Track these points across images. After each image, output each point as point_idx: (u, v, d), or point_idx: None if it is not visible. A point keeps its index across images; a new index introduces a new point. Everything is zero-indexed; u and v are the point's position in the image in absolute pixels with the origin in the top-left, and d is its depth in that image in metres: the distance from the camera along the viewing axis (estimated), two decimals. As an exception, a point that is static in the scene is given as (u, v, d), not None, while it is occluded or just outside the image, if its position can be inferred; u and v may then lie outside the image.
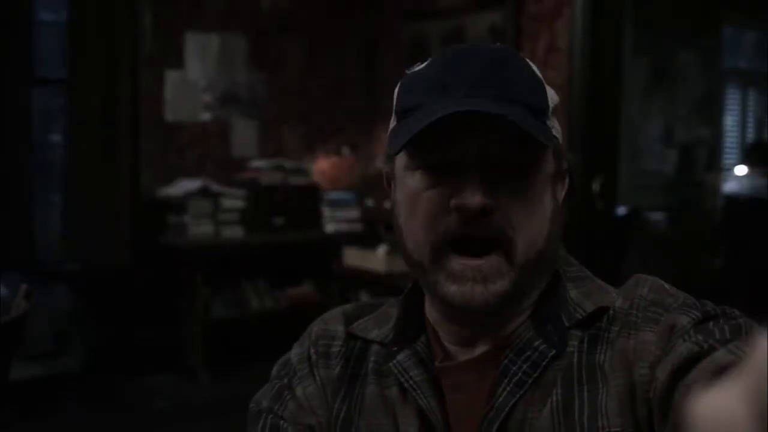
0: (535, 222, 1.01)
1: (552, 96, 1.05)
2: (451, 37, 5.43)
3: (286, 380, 1.16)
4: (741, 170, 6.97)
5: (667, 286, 1.06)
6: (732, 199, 6.68)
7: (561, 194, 1.08)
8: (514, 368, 1.02)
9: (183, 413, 4.56)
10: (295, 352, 1.18)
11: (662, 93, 6.12)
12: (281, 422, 1.12)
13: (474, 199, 0.96)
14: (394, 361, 1.07)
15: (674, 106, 6.26)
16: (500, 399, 1.00)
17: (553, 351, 1.02)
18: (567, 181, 1.09)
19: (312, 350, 1.16)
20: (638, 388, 0.96)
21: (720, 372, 0.81)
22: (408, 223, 1.04)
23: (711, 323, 0.92)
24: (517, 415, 1.00)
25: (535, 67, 1.06)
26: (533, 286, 1.05)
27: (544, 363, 1.01)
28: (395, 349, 1.09)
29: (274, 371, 1.19)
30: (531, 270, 1.01)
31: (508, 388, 1.01)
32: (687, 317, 0.96)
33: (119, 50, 4.93)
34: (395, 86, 1.09)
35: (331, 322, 1.19)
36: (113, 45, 4.13)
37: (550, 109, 1.04)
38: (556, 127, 1.05)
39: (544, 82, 1.05)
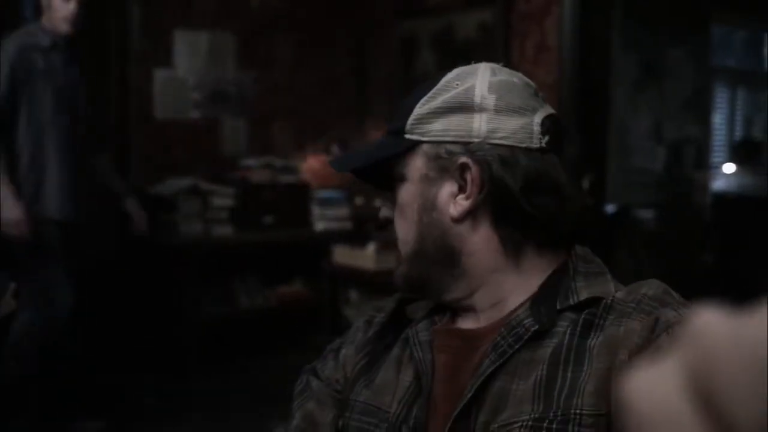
0: (403, 226, 1.24)
1: (484, 96, 1.18)
2: (441, 35, 5.43)
3: (337, 344, 1.38)
4: (729, 168, 7.00)
5: (672, 292, 1.11)
6: (720, 197, 6.71)
7: (452, 186, 1.18)
8: (502, 341, 1.11)
9: (174, 410, 4.55)
10: (352, 329, 1.39)
11: (652, 90, 6.14)
12: (313, 379, 1.35)
13: (380, 212, 1.32)
14: (413, 328, 1.23)
15: (664, 103, 6.27)
16: (483, 367, 1.10)
17: (536, 326, 1.10)
18: (475, 172, 1.15)
19: (366, 318, 1.37)
20: (615, 373, 1.00)
21: None
22: None
23: None
24: (497, 383, 1.09)
25: (460, 82, 1.19)
26: (429, 270, 1.22)
27: (526, 336, 1.09)
28: (419, 318, 1.26)
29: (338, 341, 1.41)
30: (416, 261, 1.23)
31: (491, 357, 1.10)
32: (675, 312, 1.01)
33: (108, 47, 4.92)
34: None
35: (390, 300, 1.37)
36: (102, 42, 4.12)
37: (409, 122, 1.20)
38: (427, 131, 1.19)
39: (436, 93, 1.19)
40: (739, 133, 7.94)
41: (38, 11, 4.09)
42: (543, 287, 1.16)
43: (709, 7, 6.55)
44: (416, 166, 1.20)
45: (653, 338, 0.98)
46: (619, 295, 1.11)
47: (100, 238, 4.56)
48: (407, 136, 1.20)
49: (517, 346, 1.10)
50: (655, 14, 5.87)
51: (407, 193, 1.21)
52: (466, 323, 1.22)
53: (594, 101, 4.70)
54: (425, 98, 1.19)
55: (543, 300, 1.14)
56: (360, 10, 6.25)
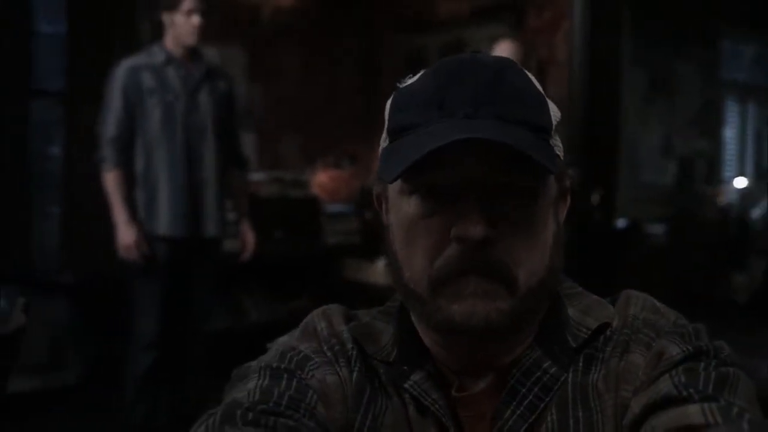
0: (536, 253, 0.95)
1: (555, 112, 1.00)
2: (451, 49, 5.43)
3: (293, 365, 1.01)
4: (740, 182, 6.97)
5: (658, 303, 1.04)
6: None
7: (563, 214, 1.03)
8: (524, 390, 0.97)
9: (180, 425, 4.53)
10: (304, 346, 1.05)
11: (661, 105, 6.13)
12: (310, 391, 0.98)
13: (476, 229, 0.89)
14: (411, 382, 1.01)
15: (673, 118, 6.26)
16: (510, 422, 0.96)
17: (565, 374, 0.98)
18: (569, 198, 1.04)
19: (326, 347, 1.06)
20: (619, 410, 0.95)
21: (684, 431, 0.82)
22: (404, 251, 0.98)
23: (701, 364, 0.90)
24: None
25: (535, 81, 1.01)
26: (536, 312, 1.00)
27: (556, 387, 0.97)
28: (405, 368, 1.02)
29: (270, 358, 1.04)
30: (533, 297, 0.95)
31: (518, 412, 0.96)
32: (678, 348, 0.93)
33: (117, 62, 4.95)
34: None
35: (335, 323, 1.09)
36: (111, 57, 4.12)
37: (554, 126, 0.99)
38: (558, 145, 0.99)
39: (545, 97, 0.99)
40: (749, 148, 7.90)
41: (156, 32, 4.12)
42: (542, 319, 1.02)
43: (719, 21, 6.54)
44: (551, 181, 0.98)
45: (655, 375, 0.92)
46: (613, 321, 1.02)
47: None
48: (552, 141, 0.98)
49: (547, 399, 0.97)
50: (664, 29, 5.87)
51: (544, 211, 0.97)
52: (466, 378, 1.02)
53: (603, 116, 4.69)
54: (540, 89, 1.00)
55: (551, 337, 1.01)
56: (369, 23, 6.26)
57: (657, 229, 6.16)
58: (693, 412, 0.83)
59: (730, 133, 7.57)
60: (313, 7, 6.09)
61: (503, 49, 3.69)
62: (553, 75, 4.75)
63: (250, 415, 0.89)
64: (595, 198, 4.50)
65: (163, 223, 3.98)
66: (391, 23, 6.15)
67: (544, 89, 1.01)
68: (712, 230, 6.59)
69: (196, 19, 3.93)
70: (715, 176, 6.77)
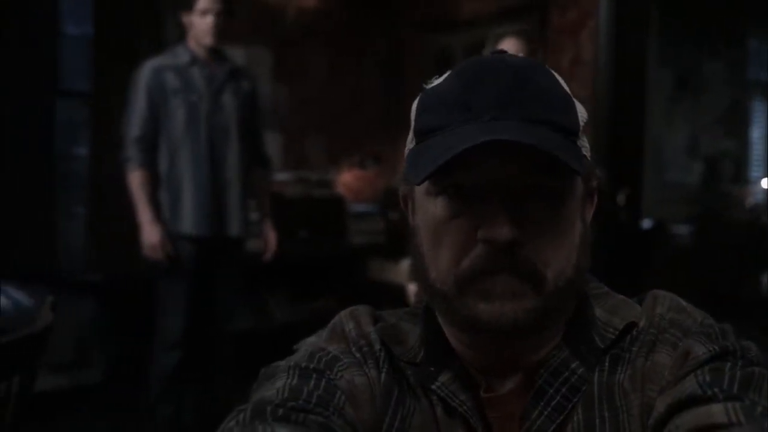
0: (564, 253, 0.95)
1: (581, 112, 1.00)
2: (475, 48, 5.42)
3: (322, 365, 1.01)
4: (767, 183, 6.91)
5: (684, 303, 1.04)
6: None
7: (589, 214, 1.03)
8: (551, 391, 0.98)
9: (205, 424, 4.55)
10: (332, 347, 1.06)
11: (687, 104, 6.09)
12: (338, 391, 0.97)
13: (503, 231, 0.90)
14: (438, 383, 1.01)
15: (699, 117, 6.22)
16: (538, 423, 0.96)
17: (593, 375, 0.98)
18: (595, 199, 1.05)
19: (354, 348, 1.06)
20: (645, 410, 0.95)
21: (707, 430, 0.81)
22: (431, 252, 0.98)
23: (727, 364, 0.90)
24: None
25: (562, 81, 1.01)
26: (563, 312, 1.00)
27: (584, 388, 0.97)
28: (432, 369, 1.03)
29: (298, 358, 1.04)
30: (560, 297, 0.95)
31: (546, 412, 0.96)
32: (704, 348, 0.93)
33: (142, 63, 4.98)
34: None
35: (363, 324, 1.10)
36: (137, 58, 4.15)
37: (581, 127, 0.99)
38: (585, 146, 1.00)
39: (572, 97, 1.00)
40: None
41: (182, 33, 4.15)
42: (569, 319, 1.02)
43: (746, 20, 6.49)
44: (578, 182, 0.98)
45: (681, 375, 0.92)
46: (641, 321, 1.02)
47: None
48: (579, 142, 0.99)
49: (575, 400, 0.97)
50: (691, 27, 5.83)
51: (571, 211, 0.97)
52: (493, 379, 1.03)
53: (629, 115, 4.66)
54: (567, 89, 1.01)
55: (578, 336, 1.01)
56: (393, 23, 6.26)
57: (683, 229, 6.13)
58: (716, 412, 0.83)
59: (757, 133, 7.50)
60: (338, 8, 6.10)
61: (507, 46, 3.67)
62: (578, 74, 4.73)
63: (280, 411, 0.89)
64: (621, 198, 4.48)
65: (187, 222, 4.00)
66: (415, 24, 6.15)
67: (568, 89, 1.01)
68: (739, 230, 6.54)
69: (210, 20, 3.94)
70: (741, 176, 6.71)
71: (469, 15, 5.58)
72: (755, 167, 7.29)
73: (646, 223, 5.39)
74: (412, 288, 3.69)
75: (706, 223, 6.22)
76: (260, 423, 0.87)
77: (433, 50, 5.89)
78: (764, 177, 7.05)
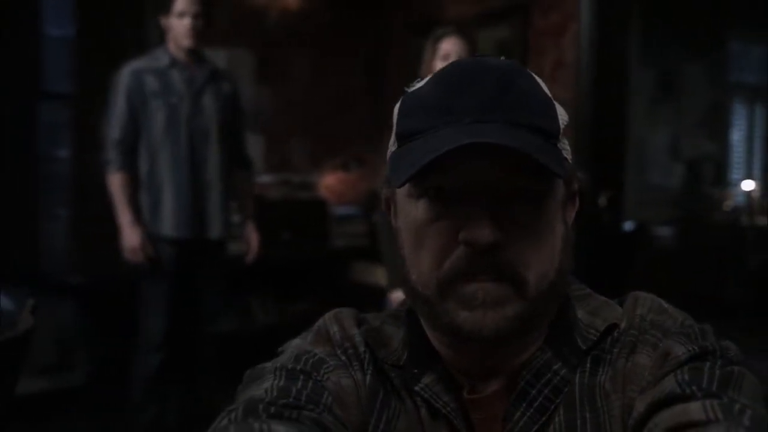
0: (546, 256, 0.95)
1: (562, 115, 1.00)
2: (458, 51, 5.43)
3: (308, 367, 1.01)
4: (747, 185, 6.96)
5: (665, 305, 1.05)
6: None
7: (571, 216, 1.02)
8: (534, 392, 0.98)
9: (189, 425, 4.54)
10: (318, 349, 1.06)
11: (669, 107, 6.12)
12: (325, 392, 0.98)
13: (484, 233, 0.89)
14: (421, 385, 1.02)
15: (681, 119, 6.26)
16: (520, 424, 0.97)
17: (575, 376, 0.99)
18: (577, 201, 1.05)
19: (339, 351, 1.06)
20: (626, 410, 0.95)
21: (685, 428, 0.82)
22: (412, 255, 0.98)
23: (706, 364, 0.91)
24: None
25: (543, 84, 1.01)
26: (546, 315, 1.00)
27: (566, 389, 0.98)
28: (416, 371, 1.03)
29: (284, 360, 1.04)
30: (543, 300, 0.95)
31: (528, 413, 0.97)
32: (684, 348, 0.94)
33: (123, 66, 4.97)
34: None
35: (347, 327, 1.10)
36: (119, 60, 4.14)
37: (562, 129, 0.98)
38: (566, 149, 1.00)
39: (553, 100, 1.00)
40: (757, 150, 7.89)
41: (164, 36, 4.13)
42: (552, 321, 1.02)
43: (727, 23, 6.53)
44: (559, 184, 0.98)
45: (661, 375, 0.92)
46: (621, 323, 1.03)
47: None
48: (560, 145, 0.98)
49: (557, 401, 0.98)
50: (672, 31, 5.86)
51: (553, 214, 0.97)
52: (476, 381, 1.03)
53: (611, 118, 4.68)
54: (548, 92, 1.00)
55: (560, 338, 1.02)
56: (377, 25, 6.26)
57: (665, 231, 6.16)
58: (694, 409, 0.83)
59: (737, 136, 7.55)
60: (321, 10, 6.10)
61: (448, 45, 3.68)
62: (561, 77, 4.74)
63: (273, 409, 0.90)
64: (603, 200, 4.49)
65: (167, 225, 4.00)
66: (399, 26, 6.15)
67: (551, 92, 1.02)
68: (720, 232, 6.57)
69: (187, 22, 3.93)
70: (722, 179, 6.75)
71: (454, 17, 5.58)
72: (736, 169, 7.34)
73: (628, 225, 5.41)
74: (395, 296, 3.67)
75: (688, 225, 6.26)
76: (254, 420, 0.87)
77: (416, 52, 5.90)
78: (744, 179, 7.10)
